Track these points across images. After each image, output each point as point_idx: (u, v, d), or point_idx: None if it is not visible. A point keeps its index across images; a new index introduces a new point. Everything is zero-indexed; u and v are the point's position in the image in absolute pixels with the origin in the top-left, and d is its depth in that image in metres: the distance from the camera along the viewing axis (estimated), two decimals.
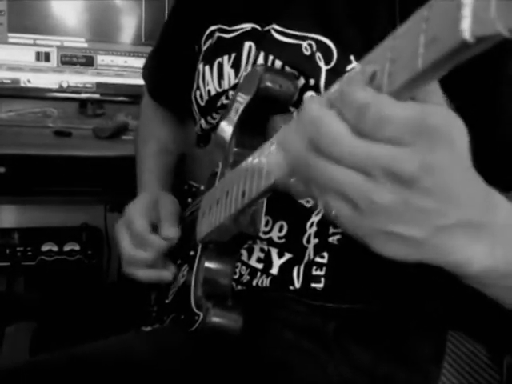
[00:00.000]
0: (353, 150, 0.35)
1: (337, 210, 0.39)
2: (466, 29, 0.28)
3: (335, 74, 0.64)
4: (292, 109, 0.67)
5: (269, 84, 0.65)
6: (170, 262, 0.80)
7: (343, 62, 0.64)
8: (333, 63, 0.65)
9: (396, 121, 0.34)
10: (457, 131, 0.36)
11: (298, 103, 0.66)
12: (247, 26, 0.75)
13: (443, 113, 0.35)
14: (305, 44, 0.67)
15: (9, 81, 1.64)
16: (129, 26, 1.70)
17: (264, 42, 0.71)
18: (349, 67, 0.63)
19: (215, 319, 0.65)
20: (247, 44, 0.75)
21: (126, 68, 1.72)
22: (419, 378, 0.77)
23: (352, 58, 0.63)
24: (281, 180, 0.46)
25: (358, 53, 0.63)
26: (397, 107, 0.34)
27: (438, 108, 0.35)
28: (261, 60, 0.71)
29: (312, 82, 0.66)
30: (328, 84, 0.64)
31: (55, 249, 1.70)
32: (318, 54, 0.66)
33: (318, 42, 0.66)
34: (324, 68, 0.65)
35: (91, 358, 0.72)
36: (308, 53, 0.67)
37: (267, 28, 0.72)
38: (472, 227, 0.39)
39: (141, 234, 0.77)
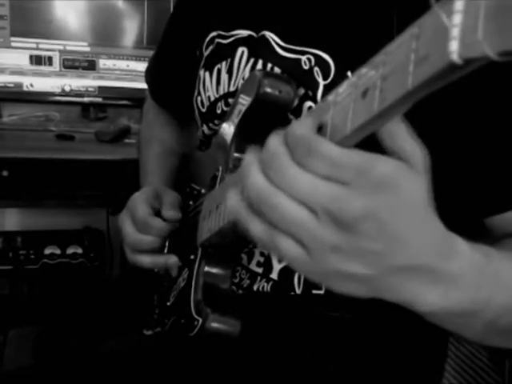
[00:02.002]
0: (295, 180, 0.38)
1: (287, 252, 0.40)
2: (454, 50, 0.28)
3: (332, 89, 0.64)
4: (291, 117, 0.67)
5: (268, 89, 0.65)
6: (174, 255, 0.79)
7: (340, 77, 0.63)
8: (330, 78, 0.65)
9: (339, 161, 0.36)
10: (406, 181, 0.37)
11: (298, 110, 0.67)
12: (244, 33, 0.75)
13: (391, 163, 0.37)
14: (304, 58, 0.67)
15: (11, 85, 1.65)
16: (131, 29, 1.70)
17: (262, 51, 0.72)
18: None
19: (214, 325, 0.65)
20: (240, 49, 0.75)
21: (128, 72, 1.72)
22: (422, 381, 0.77)
23: (349, 74, 0.63)
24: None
25: (356, 69, 0.63)
26: (345, 152, 0.36)
27: (387, 159, 0.37)
28: (259, 67, 0.71)
29: (310, 93, 0.66)
30: None
31: (58, 252, 1.70)
32: (316, 69, 0.66)
33: (316, 56, 0.66)
34: (322, 83, 0.65)
35: (95, 362, 0.73)
36: (307, 67, 0.67)
37: (261, 33, 0.72)
38: (423, 271, 0.40)
39: (143, 219, 0.77)
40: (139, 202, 0.79)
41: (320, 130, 0.39)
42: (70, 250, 1.71)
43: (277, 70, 0.70)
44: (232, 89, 0.75)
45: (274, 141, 0.40)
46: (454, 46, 0.27)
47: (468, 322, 0.48)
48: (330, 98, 0.40)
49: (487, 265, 0.46)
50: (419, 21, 0.31)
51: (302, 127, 0.38)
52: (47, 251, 1.69)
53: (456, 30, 0.27)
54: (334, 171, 0.36)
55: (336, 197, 0.36)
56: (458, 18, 0.27)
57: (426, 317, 0.45)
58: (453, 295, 0.42)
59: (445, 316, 0.45)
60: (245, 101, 0.68)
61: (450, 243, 0.42)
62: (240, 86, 0.73)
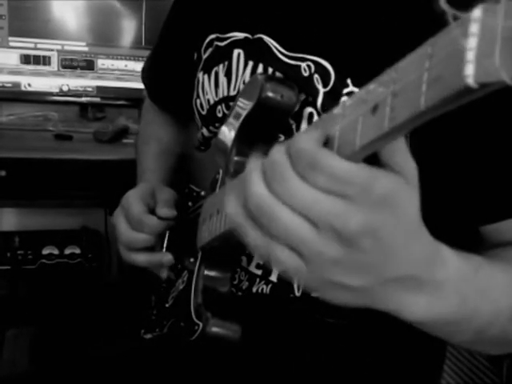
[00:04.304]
0: (296, 191, 0.37)
1: (284, 262, 0.40)
2: (470, 74, 0.27)
3: (332, 96, 0.64)
4: (291, 122, 0.67)
5: (270, 94, 0.64)
6: (169, 253, 0.79)
7: (340, 85, 0.64)
8: (330, 86, 0.64)
9: (344, 177, 0.36)
10: (404, 198, 0.37)
11: (298, 116, 0.66)
12: (240, 35, 0.75)
13: (392, 179, 0.37)
14: (303, 65, 0.67)
15: (10, 84, 1.64)
16: (129, 29, 1.70)
17: (262, 55, 0.71)
18: (345, 91, 0.63)
19: (215, 329, 0.65)
20: (236, 52, 0.74)
21: (126, 72, 1.72)
22: (420, 381, 0.77)
23: (349, 81, 0.63)
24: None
25: (356, 76, 0.63)
26: (347, 165, 0.36)
27: (389, 174, 0.37)
28: (260, 71, 0.71)
29: (311, 99, 0.66)
30: (324, 106, 0.64)
31: (56, 252, 1.70)
32: (316, 76, 0.65)
33: (316, 63, 0.66)
34: (322, 90, 0.65)
35: (92, 366, 0.72)
36: (306, 74, 0.66)
37: (258, 36, 0.72)
38: (412, 282, 0.41)
39: (137, 216, 0.77)
40: (134, 199, 0.79)
41: (326, 143, 0.38)
42: (67, 251, 1.71)
43: (278, 74, 0.69)
44: (232, 92, 0.75)
45: (278, 150, 0.39)
46: (469, 70, 0.27)
47: (456, 330, 0.49)
48: (337, 110, 0.39)
49: (475, 275, 0.47)
50: (432, 39, 0.30)
51: (305, 140, 0.38)
52: (45, 251, 1.69)
53: (472, 54, 0.27)
54: (336, 185, 0.36)
55: (338, 212, 0.36)
56: (473, 42, 0.27)
57: (414, 325, 0.46)
58: (437, 303, 0.43)
59: (432, 324, 0.46)
60: (246, 104, 0.68)
61: (436, 252, 0.43)
62: (241, 89, 0.73)
